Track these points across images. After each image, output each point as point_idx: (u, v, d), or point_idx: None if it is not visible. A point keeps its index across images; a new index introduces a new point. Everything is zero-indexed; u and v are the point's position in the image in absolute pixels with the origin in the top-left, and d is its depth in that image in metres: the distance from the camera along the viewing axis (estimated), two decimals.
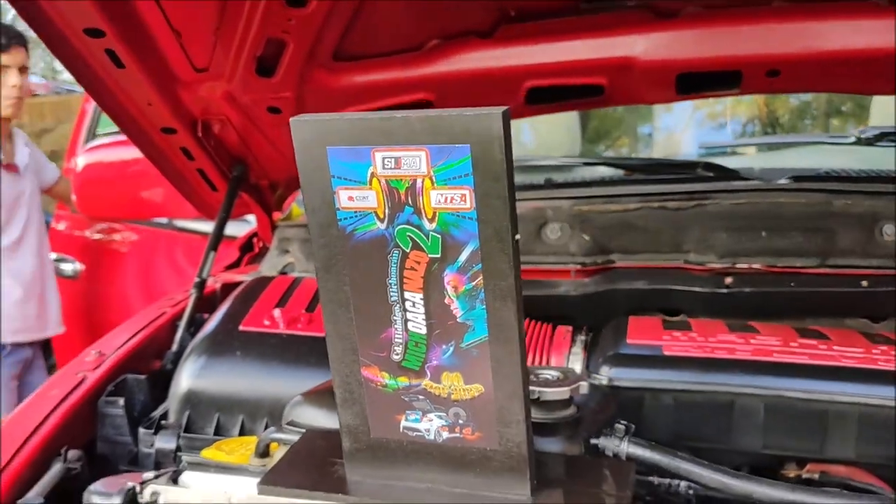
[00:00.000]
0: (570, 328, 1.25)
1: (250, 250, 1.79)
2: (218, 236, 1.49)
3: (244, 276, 1.52)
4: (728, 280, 1.35)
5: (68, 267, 3.03)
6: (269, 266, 1.55)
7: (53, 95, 7.01)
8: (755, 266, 1.34)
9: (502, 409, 0.65)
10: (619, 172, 1.73)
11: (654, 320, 1.23)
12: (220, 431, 1.07)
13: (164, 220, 2.76)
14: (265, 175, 1.58)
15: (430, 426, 0.68)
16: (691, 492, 0.82)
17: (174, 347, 1.29)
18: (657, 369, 1.04)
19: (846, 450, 0.98)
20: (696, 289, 1.35)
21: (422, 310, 0.64)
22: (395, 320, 0.65)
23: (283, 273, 1.51)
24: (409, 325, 0.65)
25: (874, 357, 1.04)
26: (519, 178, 1.73)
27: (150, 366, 1.26)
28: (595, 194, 1.45)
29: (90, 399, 1.11)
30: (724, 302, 1.34)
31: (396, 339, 0.66)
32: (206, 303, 1.42)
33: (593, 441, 0.79)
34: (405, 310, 0.65)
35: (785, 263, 1.33)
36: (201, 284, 1.41)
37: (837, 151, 1.79)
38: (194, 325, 1.33)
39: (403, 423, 0.69)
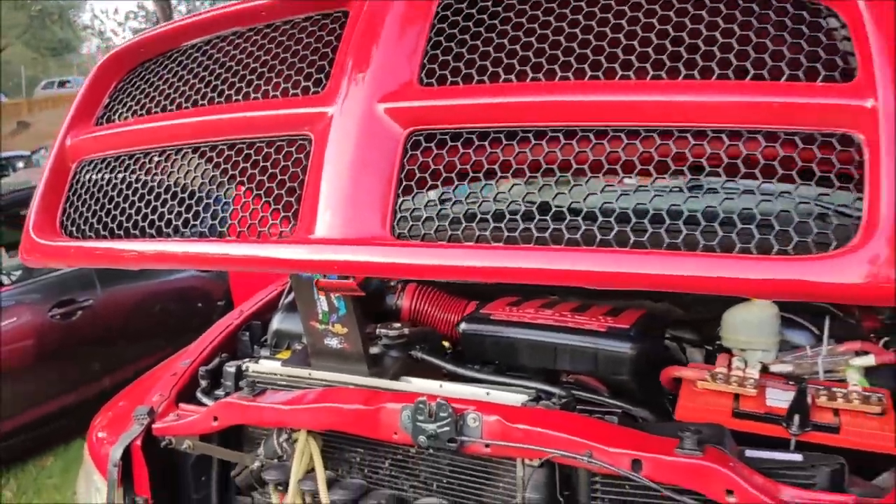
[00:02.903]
0: (477, 302, 2.43)
1: None
2: None
3: None
4: None
5: None
6: None
7: None
8: None
9: (354, 337, 1.88)
10: None
11: (510, 299, 2.35)
12: (289, 347, 2.36)
13: None
14: None
15: (335, 343, 1.92)
16: None
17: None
18: (483, 325, 2.18)
19: (566, 366, 2.09)
20: None
21: (325, 303, 1.88)
22: (317, 304, 1.90)
23: None
24: (321, 306, 1.89)
25: (588, 322, 2.12)
26: None
27: (266, 317, 2.59)
28: None
29: (234, 333, 2.45)
30: (571, 289, 2.45)
31: (319, 312, 1.91)
32: None
33: (411, 353, 1.99)
34: (320, 301, 1.89)
35: None
36: None
37: None
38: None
39: (326, 341, 1.93)
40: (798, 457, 1.49)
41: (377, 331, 1.99)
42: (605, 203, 1.16)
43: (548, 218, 1.18)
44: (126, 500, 1.96)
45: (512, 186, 1.26)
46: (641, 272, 1.08)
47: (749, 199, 1.10)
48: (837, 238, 1.04)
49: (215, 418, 1.86)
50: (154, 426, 1.98)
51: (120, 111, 1.66)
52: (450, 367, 1.95)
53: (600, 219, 1.14)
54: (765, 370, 1.85)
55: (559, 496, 1.59)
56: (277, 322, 2.39)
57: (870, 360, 1.83)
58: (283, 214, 1.36)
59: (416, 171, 1.27)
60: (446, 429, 1.58)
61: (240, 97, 1.49)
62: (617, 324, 2.07)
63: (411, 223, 1.26)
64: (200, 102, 1.53)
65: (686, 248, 1.08)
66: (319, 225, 1.30)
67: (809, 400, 1.67)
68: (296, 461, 1.75)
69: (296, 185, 1.35)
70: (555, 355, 2.05)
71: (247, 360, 2.13)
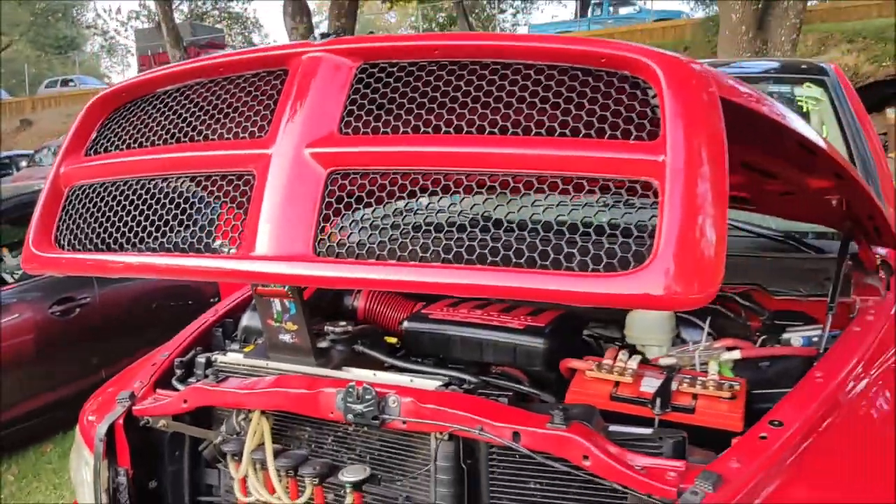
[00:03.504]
0: (423, 303, 2.78)
1: None
2: None
3: None
4: None
5: None
6: None
7: None
8: None
9: (303, 333, 2.23)
10: None
11: (450, 301, 2.70)
12: (255, 342, 2.71)
13: None
14: None
15: (287, 338, 2.27)
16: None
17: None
18: (422, 323, 2.52)
19: (490, 359, 2.43)
20: None
21: (278, 304, 2.23)
22: (272, 306, 2.25)
23: None
24: (276, 307, 2.24)
25: (511, 321, 2.46)
26: None
27: (238, 316, 2.94)
28: None
29: (209, 329, 2.80)
30: None
31: (274, 312, 2.26)
32: None
33: (354, 347, 2.34)
34: (274, 303, 2.24)
35: None
36: None
37: None
38: None
39: (280, 336, 2.29)
40: (648, 431, 1.84)
41: (325, 328, 2.34)
42: (471, 225, 1.51)
43: (429, 240, 1.53)
44: (110, 471, 2.32)
45: (405, 216, 1.61)
46: (483, 283, 1.43)
47: (573, 227, 1.45)
48: (636, 259, 1.39)
49: (185, 401, 2.22)
50: (134, 408, 2.34)
51: (105, 145, 2.01)
52: (386, 358, 2.30)
53: (467, 242, 1.49)
54: (646, 361, 2.20)
55: (462, 464, 1.95)
56: (246, 320, 2.74)
57: (736, 355, 2.18)
58: (230, 235, 1.71)
59: (334, 203, 1.62)
60: (371, 408, 1.94)
61: (200, 138, 1.84)
62: (534, 322, 2.41)
63: (328, 244, 1.61)
64: (169, 140, 1.88)
65: (526, 264, 1.44)
66: (259, 244, 1.64)
67: (675, 386, 2.02)
68: (249, 436, 2.10)
69: (242, 211, 1.70)
70: (481, 349, 2.40)
71: (216, 352, 2.48)
